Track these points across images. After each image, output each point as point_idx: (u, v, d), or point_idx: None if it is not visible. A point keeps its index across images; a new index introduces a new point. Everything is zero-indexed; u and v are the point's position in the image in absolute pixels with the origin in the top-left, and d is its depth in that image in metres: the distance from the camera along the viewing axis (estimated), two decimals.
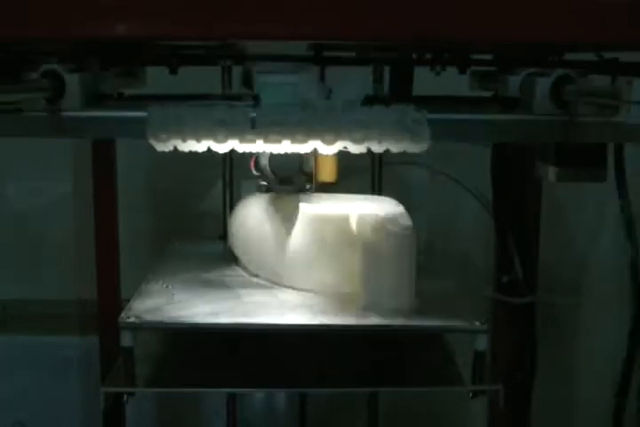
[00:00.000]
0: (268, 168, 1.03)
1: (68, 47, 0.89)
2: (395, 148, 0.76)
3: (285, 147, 0.77)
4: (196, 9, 0.74)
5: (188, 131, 0.75)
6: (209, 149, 0.77)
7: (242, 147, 0.77)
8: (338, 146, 0.76)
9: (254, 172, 1.05)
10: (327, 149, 0.77)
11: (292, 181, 1.04)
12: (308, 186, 1.04)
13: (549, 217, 1.25)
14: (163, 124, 0.75)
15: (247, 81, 0.95)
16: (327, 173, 1.03)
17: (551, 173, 0.84)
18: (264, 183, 1.06)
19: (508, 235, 1.19)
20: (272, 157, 1.02)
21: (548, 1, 0.75)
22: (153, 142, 0.76)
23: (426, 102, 0.79)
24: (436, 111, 0.77)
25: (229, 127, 0.75)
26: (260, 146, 0.77)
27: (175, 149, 0.77)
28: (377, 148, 0.76)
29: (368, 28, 0.75)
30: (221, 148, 0.76)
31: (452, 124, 0.80)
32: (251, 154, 1.02)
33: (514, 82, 0.83)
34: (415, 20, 0.74)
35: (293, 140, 0.76)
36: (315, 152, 0.78)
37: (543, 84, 0.79)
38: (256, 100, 0.80)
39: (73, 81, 0.78)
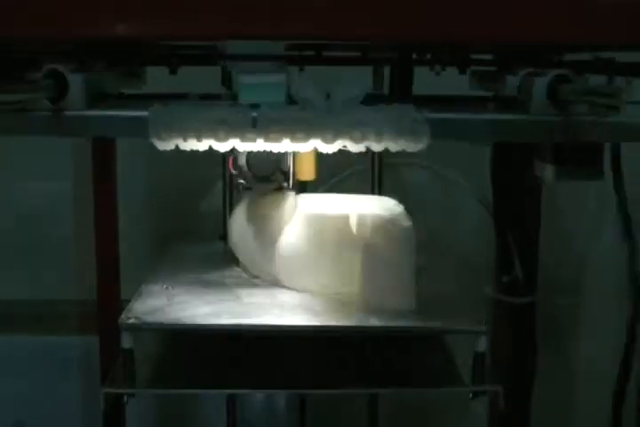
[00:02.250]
0: (245, 167, 1.03)
1: (71, 47, 0.90)
2: (393, 147, 0.77)
3: (285, 146, 0.78)
4: (195, 9, 0.74)
5: (190, 130, 0.76)
6: (210, 148, 0.78)
7: (243, 146, 0.78)
8: (337, 145, 0.77)
9: (233, 171, 1.05)
10: (327, 147, 0.78)
11: (269, 179, 1.04)
12: (285, 184, 1.05)
13: (549, 217, 1.25)
14: (164, 123, 0.76)
15: (227, 81, 0.97)
16: (306, 171, 1.03)
17: (548, 171, 0.85)
18: (242, 182, 1.06)
19: (508, 235, 1.19)
20: (249, 155, 1.03)
21: (548, 1, 0.75)
22: (154, 141, 0.77)
23: (425, 102, 0.80)
24: (435, 110, 0.78)
25: (230, 126, 0.76)
26: (260, 144, 0.78)
27: (177, 147, 0.77)
28: (376, 147, 0.77)
29: (368, 29, 0.75)
30: (222, 146, 0.77)
31: (450, 123, 0.80)
32: (229, 154, 1.03)
33: (512, 81, 0.84)
34: (415, 20, 0.74)
35: (293, 139, 0.77)
36: (293, 150, 0.81)
37: (540, 84, 0.79)
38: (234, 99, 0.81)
39: (76, 80, 0.79)
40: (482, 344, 0.87)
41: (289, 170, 1.03)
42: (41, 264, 1.54)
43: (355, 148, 0.78)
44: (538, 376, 1.23)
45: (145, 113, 0.77)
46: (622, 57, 0.90)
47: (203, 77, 1.09)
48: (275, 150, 0.82)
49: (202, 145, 0.77)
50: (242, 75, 0.80)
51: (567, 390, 1.60)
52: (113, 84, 0.92)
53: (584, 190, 1.43)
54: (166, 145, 0.77)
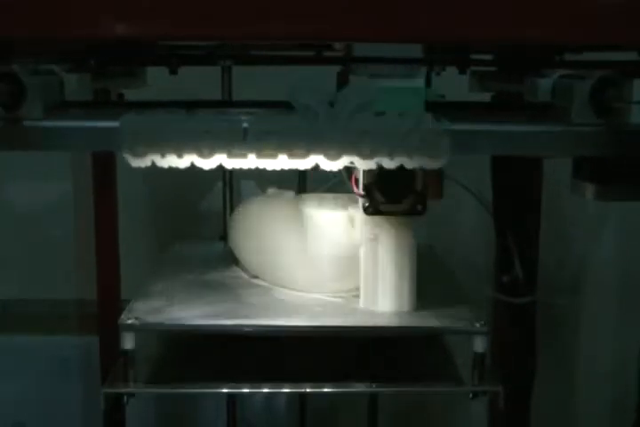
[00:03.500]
0: (374, 187, 0.86)
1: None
2: (409, 163, 0.69)
3: (282, 162, 0.69)
4: (195, 9, 0.74)
5: (168, 143, 0.66)
6: (192, 165, 0.68)
7: (230, 162, 0.69)
8: (343, 161, 0.69)
9: (356, 191, 0.88)
10: (330, 164, 0.69)
11: (402, 201, 0.87)
12: (419, 206, 0.88)
13: (549, 217, 1.25)
14: (138, 135, 0.67)
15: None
16: (435, 191, 0.89)
17: (589, 191, 0.74)
18: (368, 204, 0.88)
19: (508, 235, 1.19)
20: (380, 175, 0.84)
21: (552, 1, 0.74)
22: (127, 157, 0.68)
23: (439, 109, 0.72)
24: (456, 120, 0.70)
25: (215, 139, 0.67)
26: (251, 161, 0.68)
27: (153, 164, 0.68)
28: (388, 164, 0.69)
29: (368, 29, 0.75)
30: (206, 163, 0.68)
31: (474, 135, 0.71)
32: (348, 171, 0.87)
33: (545, 85, 0.74)
34: (415, 20, 0.74)
35: (291, 155, 0.68)
36: (423, 168, 0.69)
37: (582, 88, 0.69)
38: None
39: (34, 85, 0.69)
40: (481, 344, 0.87)
41: (421, 189, 0.87)
42: (41, 264, 1.54)
43: (363, 164, 0.69)
44: (538, 376, 1.23)
45: (116, 124, 0.69)
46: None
47: (203, 77, 1.10)
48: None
49: (182, 162, 0.68)
50: (375, 79, 0.70)
51: (567, 390, 1.60)
52: (83, 88, 0.82)
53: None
54: (141, 161, 0.68)
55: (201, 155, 0.67)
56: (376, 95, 0.69)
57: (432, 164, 0.69)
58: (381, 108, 0.68)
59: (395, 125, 0.68)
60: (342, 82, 0.82)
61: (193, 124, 0.68)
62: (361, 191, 0.87)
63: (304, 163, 0.70)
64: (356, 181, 0.88)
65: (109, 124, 0.70)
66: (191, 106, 0.75)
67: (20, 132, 0.70)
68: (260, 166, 0.70)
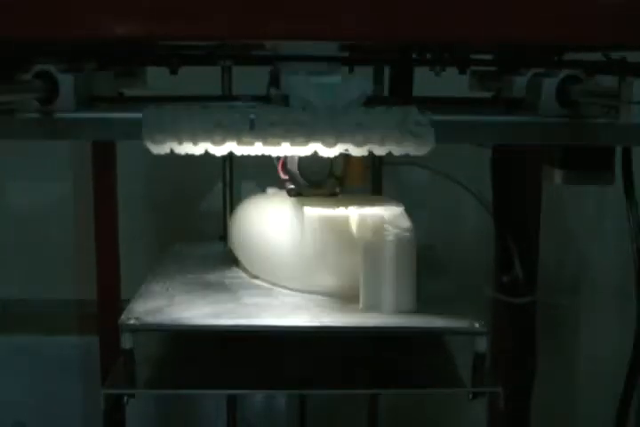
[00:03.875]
0: (297, 172, 0.99)
1: (64, 47, 0.88)
2: (397, 150, 0.76)
3: (285, 149, 0.76)
4: (195, 9, 0.74)
5: (185, 133, 0.74)
6: (206, 152, 0.76)
7: (240, 149, 0.76)
8: (339, 148, 0.76)
9: (282, 175, 1.00)
10: (327, 151, 0.76)
11: (321, 185, 1.00)
12: (337, 189, 1.00)
13: (549, 217, 1.25)
14: (158, 125, 0.74)
15: (275, 81, 0.91)
16: (356, 176, 0.99)
17: (557, 175, 0.82)
18: (292, 187, 1.01)
19: (508, 235, 1.19)
20: (302, 160, 0.97)
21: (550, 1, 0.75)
22: (148, 144, 0.75)
23: (427, 103, 0.78)
24: (439, 112, 0.76)
25: (227, 129, 0.74)
26: (258, 148, 0.76)
27: (171, 151, 0.75)
28: (379, 150, 0.75)
29: (368, 29, 0.75)
30: (219, 150, 0.75)
31: (455, 125, 0.78)
32: (278, 158, 0.99)
33: (519, 82, 0.82)
34: (414, 21, 0.74)
35: (293, 143, 0.75)
36: (344, 154, 0.77)
37: (549, 85, 0.77)
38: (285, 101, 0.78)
39: (66, 82, 0.77)
40: (481, 345, 0.87)
41: (341, 175, 0.99)
42: (41, 264, 1.54)
43: (357, 151, 0.76)
44: (538, 376, 1.23)
45: (138, 115, 0.75)
46: (633, 57, 0.90)
47: (203, 77, 1.10)
48: (326, 155, 0.78)
49: (197, 149, 0.75)
50: (301, 75, 0.77)
51: (567, 390, 1.61)
52: (110, 85, 0.90)
53: (584, 190, 1.43)
54: (161, 149, 0.75)
55: (214, 143, 0.75)
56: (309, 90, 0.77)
57: (418, 151, 0.75)
58: (341, 101, 0.76)
59: (384, 117, 0.75)
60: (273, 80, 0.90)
61: (206, 115, 0.75)
62: (286, 176, 0.99)
63: (304, 150, 0.76)
64: (284, 166, 0.99)
65: (133, 115, 0.76)
66: (204, 100, 0.83)
67: (55, 124, 0.77)
68: (266, 153, 0.77)
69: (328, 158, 0.83)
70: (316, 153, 0.77)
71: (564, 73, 0.77)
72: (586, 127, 0.76)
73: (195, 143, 0.74)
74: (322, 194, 1.00)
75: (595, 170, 0.81)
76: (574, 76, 0.77)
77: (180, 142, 0.74)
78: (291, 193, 1.00)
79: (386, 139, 0.75)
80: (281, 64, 0.86)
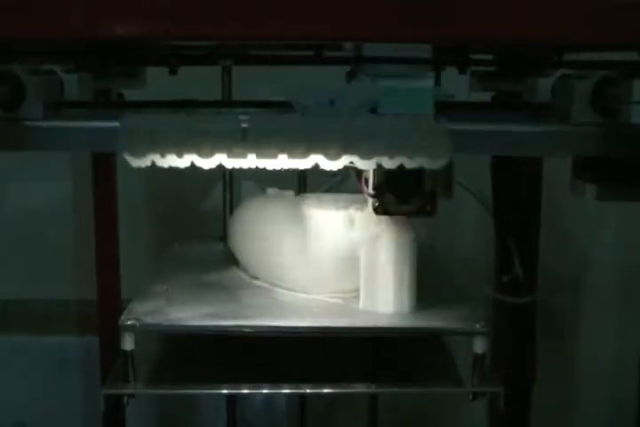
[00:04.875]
0: (384, 187, 0.84)
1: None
2: (409, 163, 0.68)
3: (282, 162, 0.69)
4: (195, 9, 0.73)
5: (168, 144, 0.66)
6: (192, 165, 0.69)
7: (230, 162, 0.69)
8: (343, 161, 0.69)
9: (366, 190, 0.87)
10: (330, 164, 0.69)
11: (409, 201, 0.85)
12: (428, 207, 0.85)
13: (549, 217, 1.25)
14: (137, 135, 0.67)
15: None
16: (446, 190, 0.86)
17: (590, 191, 0.74)
18: (378, 204, 0.86)
19: (508, 235, 1.19)
20: (389, 175, 0.82)
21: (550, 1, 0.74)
22: (127, 157, 0.68)
23: (441, 108, 0.72)
24: (457, 120, 0.70)
25: (215, 139, 0.67)
26: (251, 161, 0.68)
27: (153, 164, 0.68)
28: (388, 163, 0.69)
29: (368, 29, 0.74)
30: (207, 163, 0.68)
31: (475, 135, 0.72)
32: (357, 171, 0.86)
33: (544, 84, 0.75)
34: (414, 21, 0.74)
35: (291, 155, 0.68)
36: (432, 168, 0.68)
37: (583, 88, 0.69)
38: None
39: (33, 84, 0.69)
40: (481, 345, 0.87)
41: (431, 189, 0.84)
42: (41, 264, 1.54)
43: (363, 164, 0.69)
44: (538, 376, 1.23)
45: (115, 124, 0.69)
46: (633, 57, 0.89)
47: (203, 77, 1.09)
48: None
49: (182, 161, 0.68)
50: (382, 79, 0.69)
51: (567, 390, 1.60)
52: (84, 88, 0.81)
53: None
54: (141, 161, 0.68)
55: (201, 154, 0.67)
56: (382, 96, 0.68)
57: (432, 164, 0.69)
58: (390, 109, 0.68)
59: (394, 125, 0.68)
60: (351, 82, 0.82)
61: (193, 123, 0.68)
62: (371, 191, 0.85)
63: (304, 163, 0.70)
64: (366, 180, 0.87)
65: (109, 124, 0.69)
66: (190, 105, 0.75)
67: (20, 132, 0.69)
68: (260, 166, 0.70)
69: (419, 171, 0.73)
70: (402, 166, 0.68)
71: (598, 74, 0.69)
72: (623, 136, 0.69)
73: (179, 155, 0.67)
74: (410, 211, 0.86)
75: (631, 184, 0.72)
76: (611, 77, 0.69)
77: (163, 155, 0.67)
78: (377, 211, 0.86)
79: (396, 150, 0.68)
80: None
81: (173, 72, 1.00)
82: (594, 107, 0.69)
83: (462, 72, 1.03)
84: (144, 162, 0.68)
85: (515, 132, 0.72)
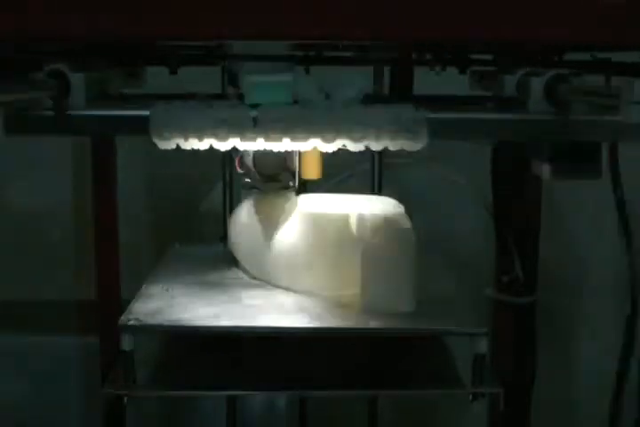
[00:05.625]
0: (252, 166, 1.03)
1: (73, 47, 0.90)
2: (392, 146, 0.78)
3: (286, 144, 0.78)
4: (195, 9, 0.74)
5: (191, 129, 0.77)
6: (211, 147, 0.78)
7: (243, 145, 0.79)
8: (337, 144, 0.78)
9: (239, 170, 1.05)
10: (327, 146, 0.78)
11: (276, 178, 1.04)
12: (291, 183, 1.03)
13: (549, 217, 1.25)
14: (166, 122, 0.77)
15: (233, 80, 0.96)
16: (312, 170, 1.01)
17: (545, 170, 0.85)
18: (248, 181, 1.06)
19: (508, 235, 1.19)
20: (256, 155, 1.02)
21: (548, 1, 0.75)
22: (156, 140, 0.78)
23: (424, 101, 0.81)
24: (434, 110, 0.79)
25: (231, 126, 0.77)
26: (260, 144, 0.78)
27: (178, 147, 0.78)
28: (375, 146, 0.78)
29: (368, 28, 0.75)
30: (223, 146, 0.78)
31: (449, 122, 0.81)
32: (236, 154, 1.04)
33: (510, 81, 0.85)
34: (414, 21, 0.74)
35: (294, 138, 0.77)
36: (298, 149, 0.81)
37: (537, 83, 0.80)
38: (241, 99, 0.81)
39: (78, 80, 0.80)
40: (481, 346, 0.87)
41: (295, 169, 1.02)
42: (41, 264, 1.54)
43: (354, 147, 0.78)
44: (538, 376, 1.23)
45: (147, 112, 0.78)
46: (620, 57, 0.90)
47: (203, 78, 1.09)
48: (280, 150, 0.82)
49: (203, 144, 0.78)
50: (249, 75, 0.80)
51: (567, 390, 1.61)
52: (115, 84, 0.93)
53: (584, 190, 1.43)
54: (167, 144, 0.78)
55: (218, 139, 0.78)
56: (251, 90, 0.80)
57: (412, 147, 0.78)
58: (254, 101, 0.79)
59: (381, 114, 0.78)
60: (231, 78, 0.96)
61: (212, 113, 0.78)
62: (242, 170, 1.04)
63: (304, 145, 0.79)
64: (240, 161, 1.04)
65: (141, 112, 0.79)
66: (209, 98, 0.84)
67: (67, 120, 0.80)
68: (268, 148, 0.80)
69: (282, 153, 0.87)
70: (269, 148, 0.80)
71: (551, 72, 0.80)
72: (573, 124, 0.79)
73: (200, 139, 0.78)
74: (276, 187, 1.04)
75: (582, 163, 0.83)
76: (562, 75, 0.80)
77: (187, 138, 0.78)
78: (246, 186, 1.05)
79: (381, 135, 0.77)
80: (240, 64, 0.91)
81: (173, 72, 1.01)
82: (547, 99, 0.80)
83: (462, 72, 1.03)
84: (170, 145, 0.78)
85: (482, 120, 0.82)
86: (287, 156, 1.01)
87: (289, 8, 0.73)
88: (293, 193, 1.06)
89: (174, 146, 0.79)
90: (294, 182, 1.03)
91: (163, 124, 0.77)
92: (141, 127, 0.78)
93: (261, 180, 1.04)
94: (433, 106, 0.79)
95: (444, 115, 0.81)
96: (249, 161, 1.03)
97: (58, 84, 0.79)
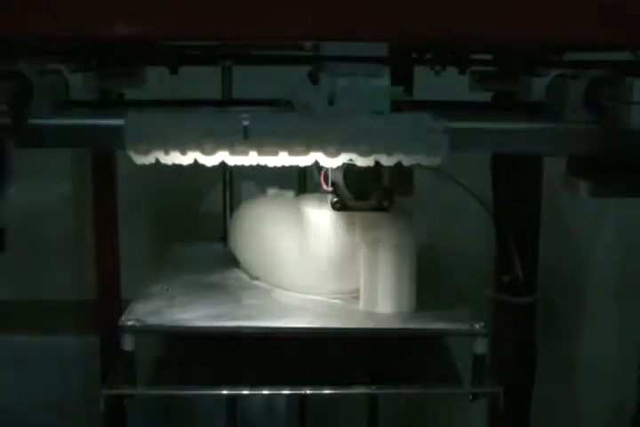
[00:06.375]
0: (341, 183, 0.88)
1: (45, 45, 0.82)
2: (407, 160, 0.70)
3: (282, 159, 0.70)
4: (195, 9, 0.73)
5: (172, 141, 0.68)
6: (195, 162, 0.70)
7: (232, 159, 0.71)
8: (342, 158, 0.70)
9: (325, 187, 0.90)
10: (330, 161, 0.70)
11: (367, 196, 0.88)
12: (386, 203, 0.88)
13: (549, 217, 1.25)
14: (142, 133, 0.68)
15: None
16: (406, 188, 0.90)
17: (583, 187, 0.75)
18: (336, 199, 0.89)
19: (508, 235, 1.19)
20: (347, 171, 0.85)
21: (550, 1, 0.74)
22: (132, 154, 0.69)
23: (437, 107, 0.73)
24: (454, 118, 0.71)
25: (218, 137, 0.68)
26: (253, 158, 0.70)
27: (157, 161, 0.69)
28: (386, 161, 0.70)
29: (368, 28, 0.74)
30: (209, 160, 0.70)
31: (472, 133, 0.72)
32: (319, 167, 0.88)
33: (539, 84, 0.76)
34: (414, 21, 0.74)
35: (291, 152, 0.69)
36: (393, 165, 0.69)
37: (577, 87, 0.70)
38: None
39: (40, 84, 0.70)
40: (481, 346, 0.87)
41: (389, 186, 0.87)
42: (41, 264, 1.54)
43: (362, 161, 0.70)
44: (538, 376, 1.23)
45: (120, 122, 0.70)
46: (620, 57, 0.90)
47: (203, 77, 1.09)
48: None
49: (186, 158, 0.69)
50: (339, 77, 0.71)
51: (567, 390, 1.60)
52: (90, 88, 0.84)
53: None
54: (145, 159, 0.69)
55: (204, 152, 0.69)
56: (343, 93, 0.70)
57: (430, 161, 0.70)
58: (345, 105, 0.70)
59: (393, 124, 0.69)
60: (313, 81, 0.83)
61: (195, 122, 0.69)
62: (330, 188, 0.89)
63: (304, 160, 0.71)
64: (326, 177, 0.90)
65: (114, 122, 0.70)
66: (193, 104, 0.77)
67: (26, 131, 0.70)
68: (262, 163, 0.71)
69: (376, 169, 0.74)
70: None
71: (591, 74, 0.70)
72: (617, 134, 0.69)
73: (183, 153, 0.69)
74: (368, 207, 0.89)
75: (625, 181, 0.73)
76: (603, 77, 0.70)
77: (167, 152, 0.68)
78: (335, 206, 0.89)
79: (394, 147, 0.69)
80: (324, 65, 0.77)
81: (173, 72, 1.00)
82: (587, 106, 0.70)
83: (462, 72, 1.03)
84: (148, 159, 0.69)
85: (511, 130, 0.72)
86: (382, 172, 0.86)
87: (289, 8, 0.73)
88: (293, 193, 1.06)
89: (153, 160, 0.69)
90: (389, 202, 0.88)
91: (139, 135, 0.68)
92: (115, 139, 0.69)
93: (352, 197, 0.89)
94: (449, 113, 0.70)
95: (466, 124, 0.72)
96: (337, 177, 0.89)
97: (16, 89, 0.68)
